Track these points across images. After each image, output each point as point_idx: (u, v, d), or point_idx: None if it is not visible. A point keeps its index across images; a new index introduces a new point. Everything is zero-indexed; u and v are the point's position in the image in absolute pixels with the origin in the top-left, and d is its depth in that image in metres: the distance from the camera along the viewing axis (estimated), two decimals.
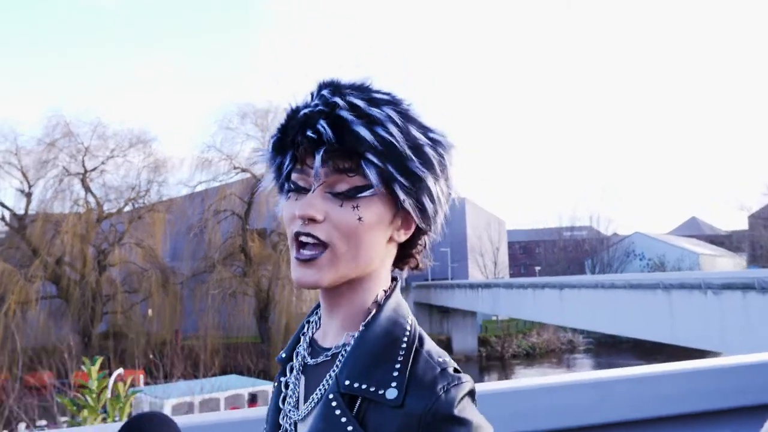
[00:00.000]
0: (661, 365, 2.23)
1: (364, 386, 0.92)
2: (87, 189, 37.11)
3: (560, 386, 2.01)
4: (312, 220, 0.95)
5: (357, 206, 0.95)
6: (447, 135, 1.02)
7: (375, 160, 0.93)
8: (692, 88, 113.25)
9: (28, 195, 36.22)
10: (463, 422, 0.88)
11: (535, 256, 77.84)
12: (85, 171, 37.10)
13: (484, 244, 56.74)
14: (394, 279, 1.05)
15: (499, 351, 41.63)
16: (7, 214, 36.41)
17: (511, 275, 62.68)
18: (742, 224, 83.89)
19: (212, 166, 38.33)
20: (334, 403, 0.93)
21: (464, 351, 40.24)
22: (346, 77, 1.01)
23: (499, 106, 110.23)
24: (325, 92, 0.98)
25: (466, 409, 0.90)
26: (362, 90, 0.99)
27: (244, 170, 37.97)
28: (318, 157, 0.94)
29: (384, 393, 0.90)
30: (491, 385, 2.02)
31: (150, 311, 36.31)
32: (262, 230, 38.23)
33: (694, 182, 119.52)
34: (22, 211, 36.18)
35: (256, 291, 37.77)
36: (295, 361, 1.07)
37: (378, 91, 0.99)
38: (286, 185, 1.02)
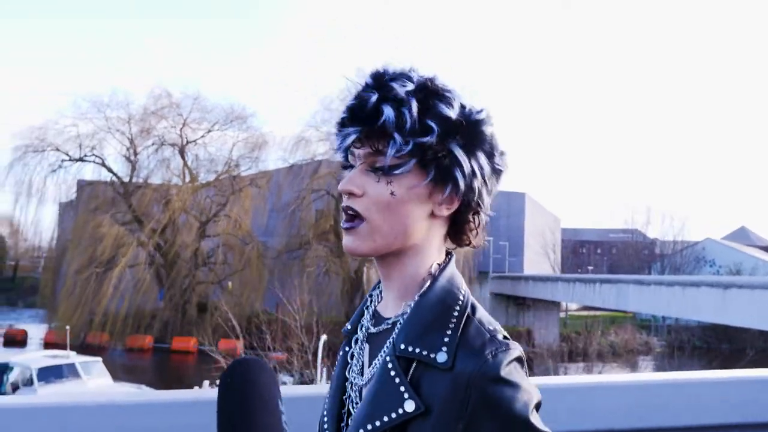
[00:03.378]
0: (701, 372, 2.19)
1: (417, 350, 0.99)
2: (185, 160, 37.66)
3: (604, 386, 2.00)
4: (352, 195, 1.05)
5: (390, 182, 1.02)
6: (482, 110, 1.07)
7: (399, 138, 1.00)
8: (739, 96, 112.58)
9: (134, 163, 36.80)
10: (510, 384, 0.94)
11: (579, 255, 78.12)
12: (186, 142, 37.71)
13: (541, 239, 57.06)
14: (449, 254, 1.12)
15: (580, 347, 41.90)
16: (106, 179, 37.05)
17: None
18: None
19: (310, 145, 38.70)
20: (390, 366, 1.00)
21: (547, 344, 40.52)
22: (395, 65, 1.07)
23: (560, 108, 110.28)
24: (370, 80, 1.06)
25: (513, 373, 0.96)
26: (403, 75, 1.05)
27: None
28: (349, 138, 1.04)
29: (435, 356, 0.97)
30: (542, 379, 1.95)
31: (230, 284, 36.82)
32: None
33: (741, 190, 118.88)
34: (126, 178, 36.82)
35: (345, 272, 38.16)
36: (359, 332, 1.15)
37: (415, 75, 1.05)
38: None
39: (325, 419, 1.13)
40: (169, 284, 35.25)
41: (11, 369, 18.50)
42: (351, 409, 1.10)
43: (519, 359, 0.98)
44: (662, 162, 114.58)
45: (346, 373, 1.14)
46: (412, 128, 1.00)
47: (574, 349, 41.50)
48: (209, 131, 38.30)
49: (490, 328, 1.01)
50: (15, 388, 18.11)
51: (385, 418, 0.97)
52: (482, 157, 1.05)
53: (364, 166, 1.05)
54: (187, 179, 37.61)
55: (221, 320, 34.29)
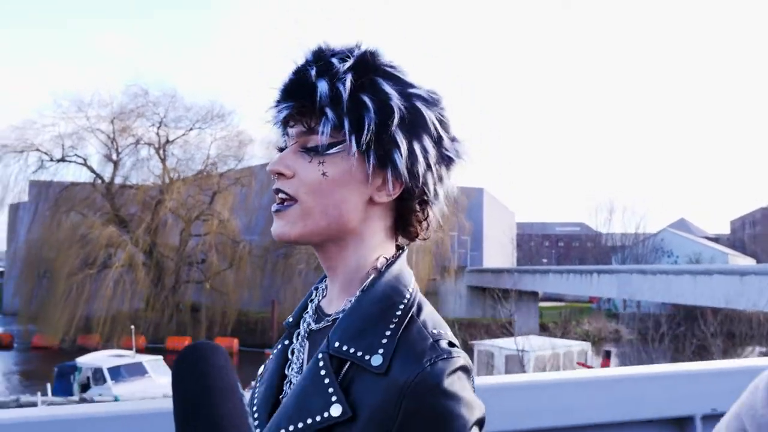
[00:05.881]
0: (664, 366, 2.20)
1: (351, 350, 0.91)
2: (165, 159, 37.19)
3: (562, 383, 1.98)
4: (281, 175, 0.97)
5: (323, 162, 0.95)
6: (435, 92, 1.00)
7: (331, 114, 0.93)
8: (682, 90, 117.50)
9: (115, 162, 36.20)
10: (449, 396, 0.86)
11: (529, 248, 80.00)
12: (166, 141, 37.23)
13: (499, 234, 58.48)
14: (400, 248, 1.05)
15: (558, 336, 43.21)
16: (87, 179, 36.29)
17: None
18: (724, 228, 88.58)
19: None
20: (321, 363, 0.93)
21: (527, 335, 41.67)
22: (338, 42, 1.00)
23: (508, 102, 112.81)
24: (310, 56, 0.98)
25: (454, 384, 0.87)
26: (346, 51, 0.98)
27: None
28: (281, 115, 0.97)
29: (369, 359, 0.89)
30: (495, 379, 1.99)
31: (209, 284, 36.64)
32: None
33: (679, 184, 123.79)
34: (107, 178, 36.23)
35: None
36: (301, 327, 1.07)
37: (357, 50, 0.98)
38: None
39: (255, 415, 1.04)
40: (161, 285, 34.83)
41: (79, 369, 18.55)
42: None
43: (464, 368, 0.90)
44: (608, 156, 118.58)
45: (286, 370, 1.06)
46: (347, 104, 0.93)
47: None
48: (191, 129, 37.92)
49: (434, 331, 0.92)
50: (85, 387, 18.16)
51: (309, 420, 0.90)
52: (427, 141, 0.97)
53: (296, 146, 0.98)
54: (167, 179, 37.16)
55: (217, 319, 34.32)
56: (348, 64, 0.95)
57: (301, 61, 0.98)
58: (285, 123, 1.00)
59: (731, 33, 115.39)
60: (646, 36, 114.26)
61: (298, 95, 0.96)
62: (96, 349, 29.25)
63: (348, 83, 0.93)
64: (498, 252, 58.35)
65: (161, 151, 37.15)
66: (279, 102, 0.99)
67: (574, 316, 46.31)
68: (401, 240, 1.06)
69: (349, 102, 0.93)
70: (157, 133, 37.15)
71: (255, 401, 1.06)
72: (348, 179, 0.96)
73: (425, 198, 1.01)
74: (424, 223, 1.05)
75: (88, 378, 18.62)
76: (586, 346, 23.70)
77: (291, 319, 1.10)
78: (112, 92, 41.70)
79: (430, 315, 0.96)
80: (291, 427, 0.90)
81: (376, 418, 0.86)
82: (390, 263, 1.00)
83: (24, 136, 33.91)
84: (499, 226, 58.78)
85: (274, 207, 0.99)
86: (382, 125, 0.93)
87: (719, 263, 49.07)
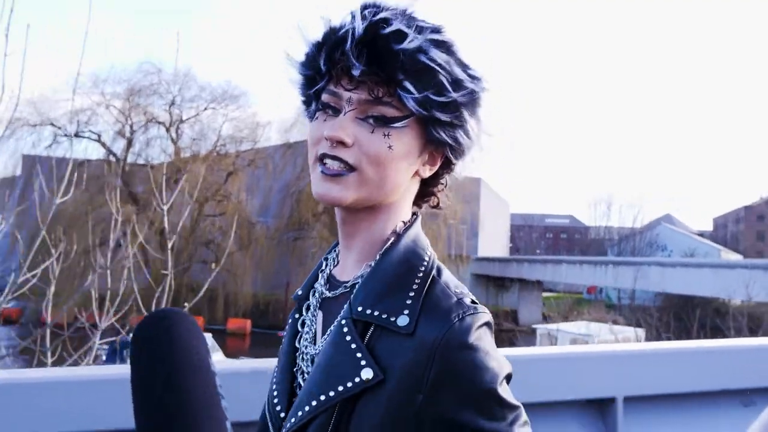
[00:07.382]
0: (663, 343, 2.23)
1: (376, 313, 0.91)
2: (177, 138, 37.01)
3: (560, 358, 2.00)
4: (341, 144, 0.92)
5: (388, 134, 0.92)
6: (484, 74, 0.98)
7: (412, 88, 0.90)
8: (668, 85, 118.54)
9: (129, 140, 35.98)
10: (479, 350, 0.86)
11: (517, 240, 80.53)
12: (180, 120, 37.03)
13: (494, 224, 58.96)
14: (414, 214, 1.04)
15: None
16: (99, 157, 36.02)
17: None
18: (706, 225, 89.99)
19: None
20: (345, 329, 0.92)
21: (530, 323, 42.18)
22: (389, 1, 0.95)
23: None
24: (366, 13, 0.92)
25: (482, 338, 0.87)
26: (406, 16, 0.93)
27: None
28: (354, 76, 0.91)
29: (395, 320, 0.89)
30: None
31: (213, 264, 36.55)
32: None
33: (665, 181, 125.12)
34: (120, 155, 36.01)
35: None
36: (311, 298, 1.06)
37: (422, 20, 0.94)
38: (314, 104, 1.00)
39: (275, 394, 1.04)
40: (174, 265, 34.69)
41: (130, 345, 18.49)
42: (302, 382, 1.02)
43: (488, 324, 0.91)
44: (599, 151, 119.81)
45: (296, 343, 1.06)
46: (426, 80, 0.91)
47: None
48: (205, 109, 37.68)
49: (457, 290, 0.93)
50: None
51: (340, 388, 0.89)
52: (475, 121, 0.99)
53: (354, 113, 0.94)
54: (185, 157, 37.02)
55: (230, 300, 34.36)
56: (428, 37, 0.92)
57: (353, 15, 0.93)
58: (336, 82, 0.95)
59: (718, 34, 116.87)
60: (639, 36, 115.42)
61: (373, 61, 0.90)
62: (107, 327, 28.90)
63: (437, 59, 0.92)
64: (493, 242, 58.78)
65: (173, 130, 36.93)
66: (345, 64, 0.92)
67: (573, 306, 46.84)
68: (414, 208, 1.06)
69: (428, 77, 0.91)
70: (169, 112, 36.89)
71: (274, 379, 1.06)
72: (407, 153, 0.95)
73: (452, 168, 1.05)
74: (443, 192, 1.08)
75: None
76: (641, 332, 24.24)
77: (300, 292, 1.09)
78: (128, 68, 41.02)
79: (449, 277, 0.97)
80: (323, 397, 0.90)
81: (407, 378, 0.86)
82: (407, 227, 1.01)
83: (39, 110, 33.52)
84: (494, 216, 59.15)
85: (328, 170, 0.94)
86: (454, 104, 0.94)
87: (713, 258, 49.91)
